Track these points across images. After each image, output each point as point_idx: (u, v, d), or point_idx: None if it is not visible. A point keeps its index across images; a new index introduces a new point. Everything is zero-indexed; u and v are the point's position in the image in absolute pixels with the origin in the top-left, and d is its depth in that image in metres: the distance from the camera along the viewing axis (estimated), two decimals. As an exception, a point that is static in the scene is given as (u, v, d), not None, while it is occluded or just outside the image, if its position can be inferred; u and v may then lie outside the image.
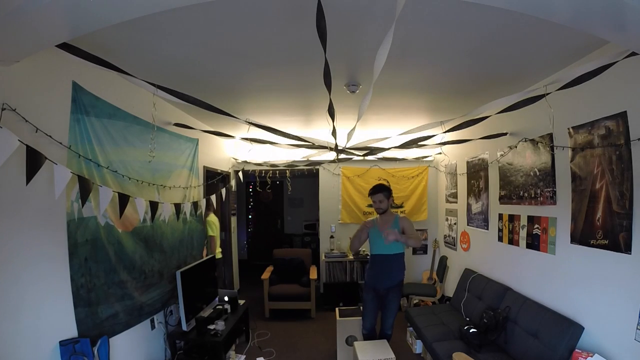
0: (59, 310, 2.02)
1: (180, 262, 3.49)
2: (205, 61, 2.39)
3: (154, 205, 2.70)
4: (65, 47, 1.77)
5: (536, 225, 2.92)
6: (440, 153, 5.30)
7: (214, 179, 4.56)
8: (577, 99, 2.38)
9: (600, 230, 2.21)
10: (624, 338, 2.01)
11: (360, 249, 3.60)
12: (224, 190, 4.30)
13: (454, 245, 4.81)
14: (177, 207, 3.10)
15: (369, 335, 3.26)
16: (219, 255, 4.61)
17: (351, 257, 5.27)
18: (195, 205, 3.57)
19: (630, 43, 1.58)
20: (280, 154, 5.30)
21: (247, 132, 3.16)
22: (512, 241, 3.29)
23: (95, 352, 2.11)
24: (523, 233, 3.11)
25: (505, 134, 3.39)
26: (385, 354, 2.87)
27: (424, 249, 5.68)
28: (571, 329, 2.31)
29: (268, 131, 2.95)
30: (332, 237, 5.65)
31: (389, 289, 3.16)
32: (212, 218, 4.41)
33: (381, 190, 3.19)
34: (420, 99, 3.37)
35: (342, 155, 4.41)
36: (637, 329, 1.92)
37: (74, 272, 2.11)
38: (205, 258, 3.86)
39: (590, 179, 2.29)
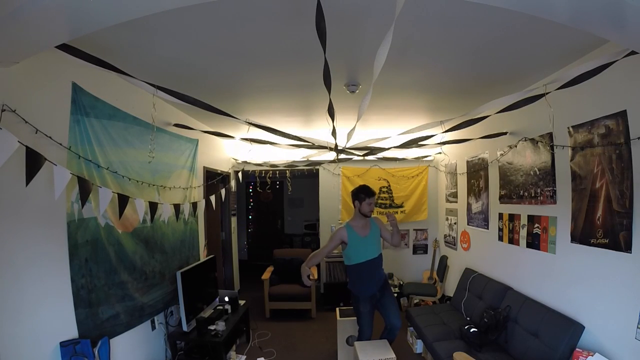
0: (60, 311, 2.02)
1: (182, 262, 3.49)
2: (204, 61, 2.39)
3: (153, 206, 2.70)
4: (64, 48, 1.77)
5: (536, 225, 2.92)
6: (440, 153, 5.30)
7: (214, 179, 4.56)
8: (576, 98, 2.38)
9: (600, 229, 2.21)
10: (624, 337, 2.01)
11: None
12: (223, 191, 4.30)
13: (454, 245, 4.81)
14: (177, 207, 3.10)
15: None
16: None
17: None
18: (195, 205, 3.56)
19: (630, 42, 1.58)
20: (280, 154, 5.29)
21: (247, 132, 3.16)
22: (513, 240, 3.29)
23: (96, 353, 2.11)
24: (523, 232, 3.11)
25: (505, 133, 3.39)
26: (386, 354, 2.87)
27: (424, 249, 5.68)
28: (572, 328, 2.31)
29: (268, 131, 2.95)
30: (332, 237, 5.64)
31: (382, 288, 3.16)
32: None
33: (374, 194, 3.15)
34: (420, 98, 3.37)
35: (342, 155, 4.41)
36: (637, 327, 1.92)
37: (74, 273, 2.11)
38: (205, 258, 3.86)
39: (590, 178, 2.29)
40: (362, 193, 3.09)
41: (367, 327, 3.14)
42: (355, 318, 3.47)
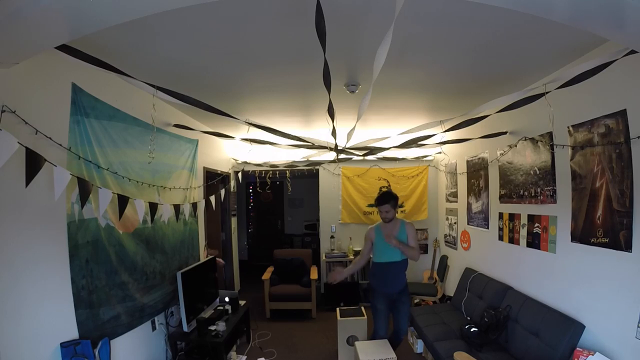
0: (60, 311, 2.02)
1: (181, 263, 3.49)
2: (204, 62, 2.39)
3: (153, 207, 2.70)
4: (64, 48, 1.77)
5: (536, 224, 2.92)
6: (440, 152, 5.30)
7: (214, 179, 4.56)
8: (576, 98, 2.38)
9: (600, 228, 2.21)
10: (625, 336, 2.01)
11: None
12: (223, 191, 4.29)
13: (455, 245, 4.81)
14: (177, 208, 3.10)
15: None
16: None
17: (352, 257, 5.27)
18: (194, 206, 3.56)
19: (630, 41, 1.58)
20: (280, 155, 5.29)
21: (247, 132, 3.16)
22: (513, 240, 3.29)
23: (97, 353, 2.11)
24: (523, 232, 3.11)
25: (505, 132, 3.39)
26: (386, 354, 2.87)
27: (424, 249, 5.67)
28: (572, 328, 2.31)
29: (268, 131, 2.95)
30: (332, 237, 5.65)
31: (401, 292, 3.14)
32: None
33: (388, 201, 3.05)
34: (420, 98, 3.37)
35: (342, 155, 4.41)
36: (638, 327, 1.92)
37: (74, 274, 2.10)
38: (206, 259, 3.86)
39: (591, 178, 2.29)
40: (375, 201, 3.19)
41: (381, 326, 3.13)
42: (356, 318, 3.47)
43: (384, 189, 5.54)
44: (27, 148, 1.62)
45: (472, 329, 2.95)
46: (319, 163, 5.54)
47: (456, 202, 4.77)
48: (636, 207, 1.96)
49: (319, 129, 4.54)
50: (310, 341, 4.07)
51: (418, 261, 5.43)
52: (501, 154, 3.45)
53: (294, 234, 8.34)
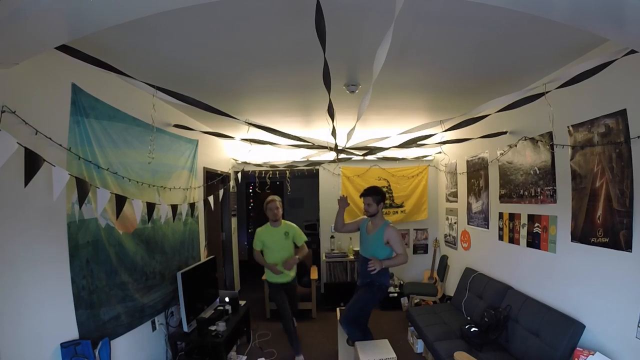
0: (60, 312, 2.02)
1: (181, 263, 3.49)
2: (204, 62, 2.39)
3: (151, 207, 2.70)
4: (64, 49, 1.77)
5: (536, 224, 2.92)
6: (440, 152, 5.30)
7: (214, 180, 4.56)
8: (576, 97, 2.38)
9: (600, 228, 2.21)
10: (625, 336, 2.01)
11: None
12: (221, 192, 4.29)
13: (455, 245, 4.81)
14: (176, 208, 3.10)
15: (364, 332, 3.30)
16: (280, 279, 3.72)
17: (352, 257, 5.27)
18: (192, 206, 3.56)
19: (630, 41, 1.58)
20: (280, 155, 5.29)
21: (246, 132, 3.16)
22: (513, 240, 3.29)
23: (97, 354, 2.11)
24: (523, 232, 3.11)
25: (505, 132, 3.39)
26: (387, 354, 2.87)
27: (424, 249, 5.68)
28: (572, 327, 2.31)
29: (268, 132, 2.95)
30: (332, 237, 5.65)
31: (362, 286, 3.24)
32: (261, 229, 3.77)
33: (370, 194, 3.20)
34: (420, 98, 3.37)
35: (342, 155, 4.41)
36: (638, 326, 1.92)
37: (74, 274, 2.10)
38: (205, 259, 3.86)
39: (591, 177, 2.30)
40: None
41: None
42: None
43: (384, 189, 5.54)
44: (25, 148, 1.62)
45: (472, 329, 2.95)
46: (319, 163, 5.54)
47: (456, 202, 4.77)
48: (636, 206, 1.96)
49: (319, 129, 4.54)
50: (310, 341, 4.07)
51: (419, 261, 5.54)
52: (501, 154, 3.45)
53: (293, 234, 8.32)
